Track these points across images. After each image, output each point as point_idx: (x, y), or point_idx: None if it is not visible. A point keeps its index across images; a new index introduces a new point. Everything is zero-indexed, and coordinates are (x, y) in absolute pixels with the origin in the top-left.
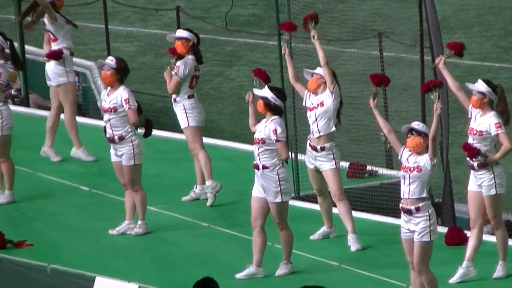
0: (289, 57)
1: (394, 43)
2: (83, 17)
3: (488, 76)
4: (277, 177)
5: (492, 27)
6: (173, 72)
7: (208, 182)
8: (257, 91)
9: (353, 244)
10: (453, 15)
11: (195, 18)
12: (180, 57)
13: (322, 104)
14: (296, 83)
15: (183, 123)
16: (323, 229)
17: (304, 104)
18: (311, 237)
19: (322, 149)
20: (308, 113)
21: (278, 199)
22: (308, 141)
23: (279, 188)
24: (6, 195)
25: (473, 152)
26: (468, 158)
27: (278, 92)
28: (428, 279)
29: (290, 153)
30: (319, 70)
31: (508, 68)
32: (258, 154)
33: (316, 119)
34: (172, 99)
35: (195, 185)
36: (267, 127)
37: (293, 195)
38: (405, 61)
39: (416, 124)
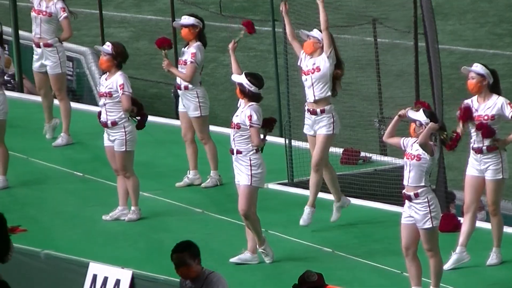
0: (286, 15)
1: (388, 29)
2: (77, 3)
3: (482, 62)
4: (249, 162)
5: (486, 14)
6: (188, 60)
7: (213, 173)
8: (234, 77)
9: (334, 213)
10: (447, 2)
11: (189, 4)
12: (170, 48)
13: (318, 69)
14: (293, 41)
15: (195, 111)
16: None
17: (299, 63)
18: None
19: (322, 111)
20: (304, 77)
21: (247, 182)
22: (306, 107)
23: (250, 173)
24: (0, 180)
25: (490, 131)
26: (475, 141)
27: (254, 78)
28: (436, 263)
29: (263, 141)
30: (316, 33)
31: (502, 55)
32: (234, 138)
33: (312, 84)
34: (183, 86)
35: (188, 171)
36: (243, 113)
37: (286, 181)
38: (399, 48)
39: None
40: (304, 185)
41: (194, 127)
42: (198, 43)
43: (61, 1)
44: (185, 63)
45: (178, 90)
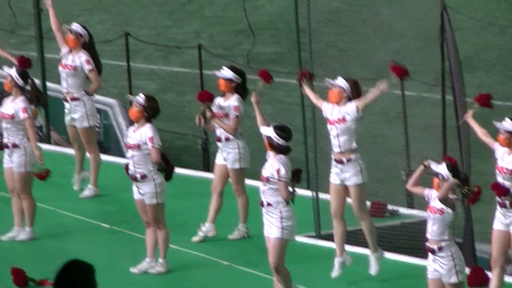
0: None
1: (416, 82)
2: (105, 55)
3: (511, 115)
4: (279, 214)
5: None
6: (232, 113)
7: (241, 225)
8: (262, 130)
9: (372, 265)
10: (474, 55)
11: (217, 56)
12: (211, 101)
13: (344, 120)
14: (318, 101)
15: (234, 163)
16: (336, 260)
17: (324, 115)
18: (333, 275)
19: (349, 160)
20: (329, 126)
21: (278, 235)
22: (332, 156)
23: (281, 225)
24: (27, 232)
25: (502, 191)
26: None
27: (282, 131)
28: None
29: (292, 194)
30: (341, 82)
31: None
32: (263, 191)
33: (337, 135)
34: (223, 138)
35: (202, 223)
36: (272, 166)
37: (314, 234)
38: (426, 101)
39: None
40: (332, 237)
41: (231, 179)
42: (237, 96)
43: (85, 53)
44: (226, 115)
45: (218, 142)
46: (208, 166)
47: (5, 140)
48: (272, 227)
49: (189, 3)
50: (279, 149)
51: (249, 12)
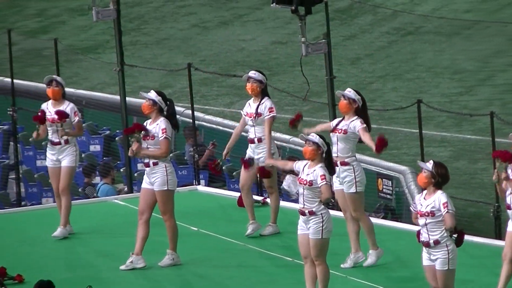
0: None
1: None
2: (398, 122)
3: None
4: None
5: None
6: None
7: None
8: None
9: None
10: None
11: (509, 124)
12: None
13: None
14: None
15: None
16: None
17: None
18: (342, 265)
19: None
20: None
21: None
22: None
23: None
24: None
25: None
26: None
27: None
28: None
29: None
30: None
31: None
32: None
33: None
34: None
35: None
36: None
37: None
38: None
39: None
40: None
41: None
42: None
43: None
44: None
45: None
46: (500, 233)
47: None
48: None
49: (480, 71)
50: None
51: None
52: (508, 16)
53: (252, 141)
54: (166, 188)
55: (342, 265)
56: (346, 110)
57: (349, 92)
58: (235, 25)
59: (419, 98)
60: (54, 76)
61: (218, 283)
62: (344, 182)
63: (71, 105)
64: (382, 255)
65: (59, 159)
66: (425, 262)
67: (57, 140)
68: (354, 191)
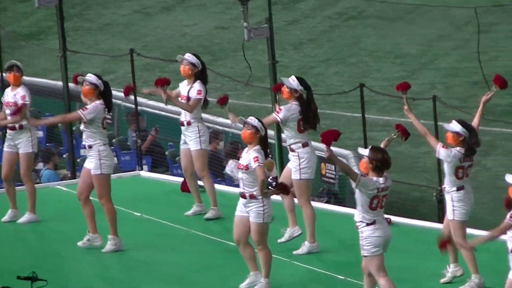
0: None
1: None
2: (340, 106)
3: None
4: None
5: None
6: None
7: None
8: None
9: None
10: None
11: (452, 108)
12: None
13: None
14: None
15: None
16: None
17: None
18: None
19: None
20: None
21: None
22: None
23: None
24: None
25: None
26: None
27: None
28: None
29: None
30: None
31: None
32: None
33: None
34: None
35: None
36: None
37: None
38: None
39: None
40: None
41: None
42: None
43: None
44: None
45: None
46: (443, 217)
47: (241, 189)
48: None
49: (423, 54)
50: None
51: (484, 64)
52: (451, 0)
53: (182, 124)
54: (99, 172)
55: (278, 240)
56: (287, 97)
57: (290, 80)
58: (177, 10)
59: (361, 82)
60: (14, 61)
61: (162, 269)
62: (292, 168)
63: (25, 89)
64: (315, 251)
65: (16, 144)
66: None
67: (12, 125)
68: (298, 177)
